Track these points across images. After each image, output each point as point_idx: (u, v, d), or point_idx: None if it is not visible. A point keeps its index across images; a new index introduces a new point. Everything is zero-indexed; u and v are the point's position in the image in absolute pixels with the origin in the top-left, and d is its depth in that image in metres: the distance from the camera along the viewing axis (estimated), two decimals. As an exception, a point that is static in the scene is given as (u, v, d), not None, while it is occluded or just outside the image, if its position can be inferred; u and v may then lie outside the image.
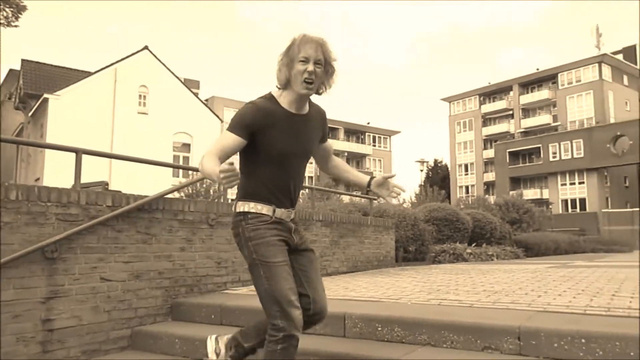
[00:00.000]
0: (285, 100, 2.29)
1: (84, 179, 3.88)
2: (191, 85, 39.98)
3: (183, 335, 3.36)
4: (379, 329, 2.99)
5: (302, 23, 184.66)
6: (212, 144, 2.27)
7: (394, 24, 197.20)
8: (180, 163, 27.09)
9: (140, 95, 27.45)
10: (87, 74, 27.39)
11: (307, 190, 10.11)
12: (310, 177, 55.36)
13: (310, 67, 2.21)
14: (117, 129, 25.83)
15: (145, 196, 3.87)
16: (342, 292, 4.11)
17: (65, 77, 27.58)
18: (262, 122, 2.23)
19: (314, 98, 2.39)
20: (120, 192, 3.99)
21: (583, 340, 2.43)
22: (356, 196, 10.58)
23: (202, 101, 32.04)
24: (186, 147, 29.12)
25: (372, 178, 2.56)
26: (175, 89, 28.90)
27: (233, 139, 2.21)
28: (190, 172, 17.84)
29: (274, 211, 2.29)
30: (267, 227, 2.26)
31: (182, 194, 13.71)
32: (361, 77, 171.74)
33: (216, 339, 2.58)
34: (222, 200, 5.51)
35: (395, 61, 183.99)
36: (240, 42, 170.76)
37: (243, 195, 2.31)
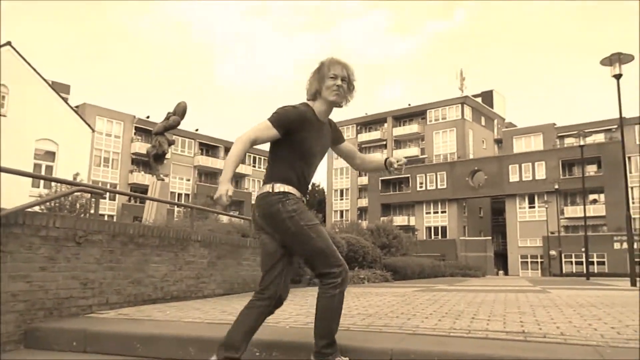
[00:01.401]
0: (317, 110, 2.78)
1: None
2: (60, 89, 36.98)
3: (39, 365, 3.03)
4: (257, 354, 2.95)
5: (183, 34, 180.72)
6: (251, 127, 2.63)
7: (279, 47, 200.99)
8: (43, 173, 24.72)
9: (-2, 95, 24.75)
10: None
11: (185, 208, 9.78)
12: (187, 195, 53.70)
13: (339, 81, 2.72)
14: (-33, 131, 22.95)
15: (2, 209, 3.46)
16: (219, 315, 3.99)
17: None
18: (300, 125, 2.67)
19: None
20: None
21: (448, 361, 2.60)
22: (235, 217, 10.44)
23: (72, 107, 29.72)
24: (50, 155, 26.69)
25: (386, 159, 3.04)
26: (41, 91, 26.50)
27: (271, 133, 2.63)
28: (54, 183, 16.33)
29: (301, 196, 2.72)
30: (300, 203, 2.68)
31: (43, 207, 12.49)
32: (244, 97, 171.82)
33: None
34: (91, 217, 5.11)
35: (278, 84, 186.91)
36: (120, 50, 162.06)
37: (278, 179, 2.67)
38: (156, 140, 9.37)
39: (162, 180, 9.50)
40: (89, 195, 10.83)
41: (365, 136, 65.82)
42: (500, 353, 2.59)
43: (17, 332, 3.48)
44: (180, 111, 9.41)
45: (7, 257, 3.44)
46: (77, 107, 40.68)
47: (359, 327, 3.38)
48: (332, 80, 2.73)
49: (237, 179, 60.98)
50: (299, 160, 2.71)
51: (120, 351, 3.24)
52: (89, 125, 29.29)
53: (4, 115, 24.76)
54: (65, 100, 29.69)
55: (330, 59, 2.80)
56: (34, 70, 26.42)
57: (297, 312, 4.26)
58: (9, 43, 25.54)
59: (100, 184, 41.83)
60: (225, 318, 3.82)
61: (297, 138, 2.67)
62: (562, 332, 3.17)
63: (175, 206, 34.74)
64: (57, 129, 26.37)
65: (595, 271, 41.38)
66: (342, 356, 2.66)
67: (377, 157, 3.18)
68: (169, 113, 9.50)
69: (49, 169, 26.03)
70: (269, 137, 2.63)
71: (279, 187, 2.64)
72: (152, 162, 9.56)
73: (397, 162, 2.97)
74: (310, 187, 2.93)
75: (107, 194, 45.24)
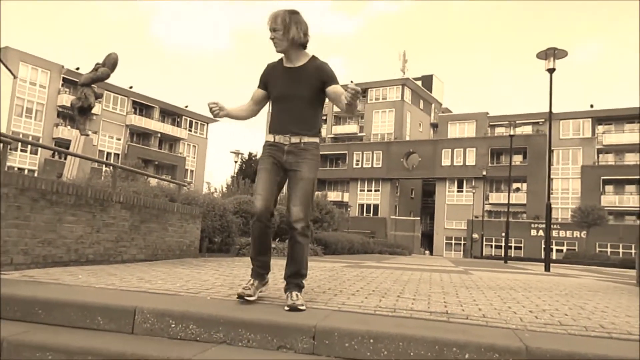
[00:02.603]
0: (285, 59, 3.28)
1: None
2: (-21, 29, 33.91)
3: None
4: (173, 325, 2.75)
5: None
6: None
7: (218, 13, 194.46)
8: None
9: None
10: None
11: (110, 168, 9.26)
12: (117, 155, 51.48)
13: (272, 34, 3.18)
14: None
15: None
16: (135, 282, 3.75)
17: None
18: (268, 75, 3.33)
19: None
20: None
21: (371, 340, 2.53)
22: (165, 180, 10.01)
23: (-9, 50, 27.39)
24: (-37, 100, 24.59)
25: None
26: (-43, 29, 24.18)
27: (256, 90, 3.39)
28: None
29: (274, 137, 3.23)
30: (267, 148, 3.27)
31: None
32: (184, 59, 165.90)
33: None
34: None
35: (220, 49, 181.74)
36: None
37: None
38: (82, 92, 8.69)
39: (87, 135, 8.88)
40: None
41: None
42: (423, 333, 2.55)
43: None
44: (111, 63, 8.76)
45: None
46: (-2, 50, 37.53)
47: (284, 302, 3.25)
48: (271, 34, 3.19)
49: (172, 142, 59.13)
50: (274, 106, 3.32)
51: (19, 317, 2.95)
52: (10, 71, 27.15)
53: None
54: (-16, 41, 27.29)
55: (270, 14, 3.21)
56: (-51, 4, 24.03)
57: (221, 282, 4.08)
58: None
59: (21, 136, 39.18)
60: (142, 286, 3.59)
61: (269, 89, 3.33)
62: (484, 314, 3.20)
63: (104, 166, 33.24)
64: (-26, 73, 24.27)
65: (513, 255, 43.89)
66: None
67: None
68: (97, 64, 8.82)
69: (-38, 115, 24.00)
70: (257, 94, 3.38)
71: (265, 139, 3.30)
72: (76, 115, 8.89)
73: (350, 91, 2.96)
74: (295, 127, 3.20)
75: (29, 147, 42.34)
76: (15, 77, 26.97)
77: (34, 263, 4.18)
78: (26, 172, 38.94)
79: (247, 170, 59.60)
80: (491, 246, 50.05)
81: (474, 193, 49.65)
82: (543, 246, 44.76)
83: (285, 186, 3.32)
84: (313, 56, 3.28)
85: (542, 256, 42.90)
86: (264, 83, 3.31)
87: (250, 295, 3.12)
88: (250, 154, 67.62)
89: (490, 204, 52.51)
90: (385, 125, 60.82)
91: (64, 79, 47.50)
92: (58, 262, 4.46)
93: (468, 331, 2.68)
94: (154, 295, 3.25)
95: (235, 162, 32.65)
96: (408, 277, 5.82)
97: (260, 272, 3.28)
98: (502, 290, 4.87)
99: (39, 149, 43.66)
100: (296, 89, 3.18)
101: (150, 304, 2.87)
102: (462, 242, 53.32)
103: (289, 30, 3.14)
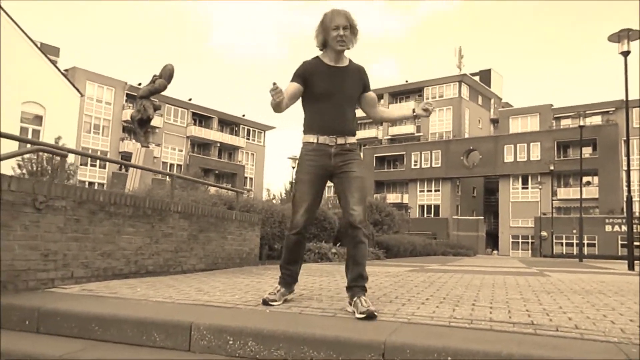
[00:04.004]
0: (326, 57, 3.22)
1: None
2: (49, 51, 35.97)
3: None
4: (231, 342, 2.57)
5: (179, 5, 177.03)
6: None
7: (269, 18, 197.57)
8: (29, 137, 24.07)
9: (-17, 56, 23.88)
10: None
11: (167, 177, 9.35)
12: (179, 166, 53.11)
13: (341, 31, 3.09)
14: (-50, 92, 22.20)
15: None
16: (194, 294, 3.61)
17: None
18: (307, 72, 3.17)
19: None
20: None
21: (449, 358, 2.24)
22: (223, 188, 10.01)
23: (60, 71, 28.89)
24: (38, 119, 26.02)
25: (414, 109, 3.39)
26: (29, 53, 25.65)
27: (292, 85, 3.16)
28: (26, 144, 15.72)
29: (318, 138, 3.14)
30: (308, 153, 3.18)
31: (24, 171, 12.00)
32: (240, 69, 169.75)
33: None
34: (56, 180, 4.67)
35: (272, 57, 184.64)
36: (114, 14, 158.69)
37: (303, 129, 3.24)
38: (141, 104, 8.83)
39: (147, 147, 9.02)
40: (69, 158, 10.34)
41: (360, 112, 64.65)
42: (510, 349, 2.23)
43: (-38, 308, 3.08)
44: (167, 74, 8.86)
45: (-50, 223, 3.03)
46: (66, 70, 39.74)
47: (348, 314, 3.00)
48: (335, 31, 3.08)
49: (230, 150, 60.38)
50: (316, 103, 3.17)
51: (76, 333, 2.86)
52: (77, 90, 28.51)
53: (-10, 77, 23.97)
54: (54, 63, 28.84)
55: (332, 10, 3.13)
56: (22, 30, 25.53)
57: (281, 292, 3.87)
58: (-5, 2, 24.58)
59: (90, 151, 41.16)
60: (200, 298, 3.44)
61: (309, 85, 3.17)
62: (576, 324, 2.81)
63: (167, 177, 34.25)
64: (45, 93, 25.63)
65: (586, 253, 41.51)
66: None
67: (404, 109, 3.49)
68: (154, 76, 8.95)
69: (36, 133, 25.39)
70: (293, 88, 3.14)
71: (303, 139, 3.22)
72: (136, 127, 9.05)
73: (425, 106, 3.29)
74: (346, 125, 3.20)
75: (98, 161, 44.41)
76: (82, 95, 28.28)
77: (94, 276, 4.15)
78: (96, 185, 40.83)
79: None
80: (562, 244, 47.59)
81: (540, 189, 47.46)
82: (621, 242, 42.28)
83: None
84: (350, 59, 3.33)
85: (619, 253, 40.34)
86: (303, 79, 3.16)
87: (275, 301, 3.18)
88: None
89: (558, 199, 50.01)
90: (443, 124, 59.41)
91: (127, 94, 49.61)
92: (118, 274, 4.42)
93: (561, 346, 2.33)
94: (210, 309, 3.09)
95: (293, 167, 32.80)
96: (480, 282, 5.41)
97: (288, 281, 3.34)
98: (590, 294, 4.39)
99: (107, 163, 45.70)
100: (344, 88, 3.19)
101: (207, 319, 2.70)
102: (530, 240, 51.06)
103: (357, 33, 3.20)
